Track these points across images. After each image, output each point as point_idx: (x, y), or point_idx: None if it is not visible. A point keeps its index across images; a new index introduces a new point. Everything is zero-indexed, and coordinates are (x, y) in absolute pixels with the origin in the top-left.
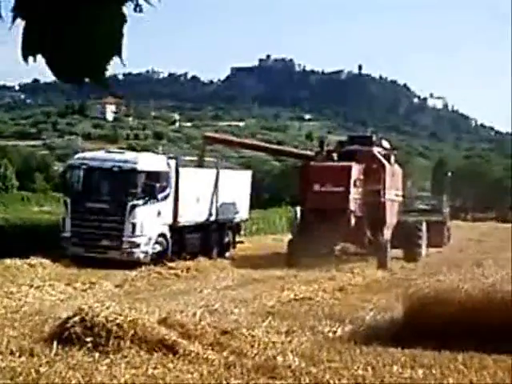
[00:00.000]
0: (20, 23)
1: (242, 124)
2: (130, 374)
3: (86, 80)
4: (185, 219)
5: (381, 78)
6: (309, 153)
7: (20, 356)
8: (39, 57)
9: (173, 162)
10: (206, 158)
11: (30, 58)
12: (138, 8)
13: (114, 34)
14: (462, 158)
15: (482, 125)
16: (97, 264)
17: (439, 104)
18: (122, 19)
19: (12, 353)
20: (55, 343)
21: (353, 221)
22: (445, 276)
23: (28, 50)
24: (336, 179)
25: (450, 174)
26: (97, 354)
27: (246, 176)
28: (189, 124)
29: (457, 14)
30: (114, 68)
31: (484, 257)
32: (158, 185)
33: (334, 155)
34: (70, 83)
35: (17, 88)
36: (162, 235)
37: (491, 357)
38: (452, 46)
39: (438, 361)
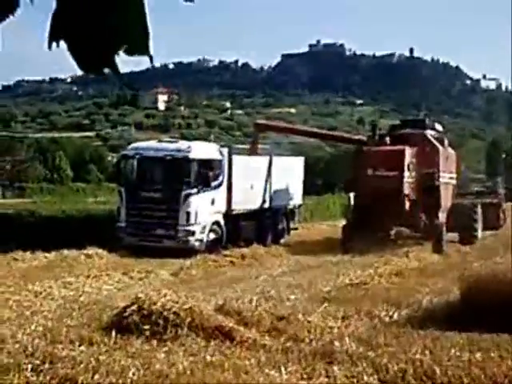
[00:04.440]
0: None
1: (293, 110)
2: (188, 362)
3: (106, 70)
4: (239, 207)
5: (432, 60)
6: (361, 137)
7: (80, 345)
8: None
9: (225, 150)
10: (259, 146)
11: (54, 46)
12: None
13: (136, 24)
14: None
15: None
16: (152, 253)
17: (492, 85)
18: (141, 9)
19: (71, 342)
20: (114, 332)
21: (407, 204)
22: (501, 258)
23: (53, 38)
24: (389, 163)
25: (504, 155)
26: (155, 342)
27: (298, 162)
28: (240, 112)
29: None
30: (163, 58)
31: None
32: (211, 173)
33: (387, 139)
34: (90, 72)
35: (68, 80)
36: (217, 223)
37: None
38: (504, 27)
39: (496, 344)
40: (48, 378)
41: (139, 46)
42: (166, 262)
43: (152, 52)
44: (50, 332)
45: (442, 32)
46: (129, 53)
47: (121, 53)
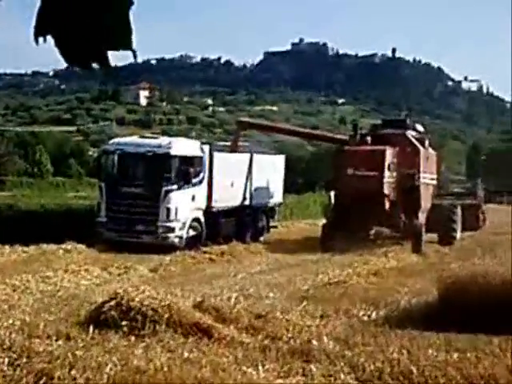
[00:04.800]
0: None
1: (275, 108)
2: (166, 358)
3: (94, 65)
4: (219, 204)
5: (414, 60)
6: (342, 137)
7: (57, 340)
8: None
9: (207, 147)
10: (240, 143)
11: (41, 40)
12: None
13: (119, 19)
14: (497, 141)
15: None
16: (131, 249)
17: (474, 87)
18: (124, 5)
19: (49, 337)
20: (91, 327)
21: (387, 205)
22: (479, 259)
23: (39, 31)
24: (370, 163)
25: (484, 157)
26: (132, 338)
27: (279, 160)
28: (222, 109)
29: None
30: (146, 54)
31: None
32: (192, 170)
33: (368, 139)
34: (78, 67)
35: (51, 74)
36: (197, 220)
37: None
38: (487, 29)
39: (473, 344)
40: (24, 372)
41: (123, 41)
42: (145, 258)
43: (135, 47)
44: (27, 326)
45: (425, 33)
46: (113, 48)
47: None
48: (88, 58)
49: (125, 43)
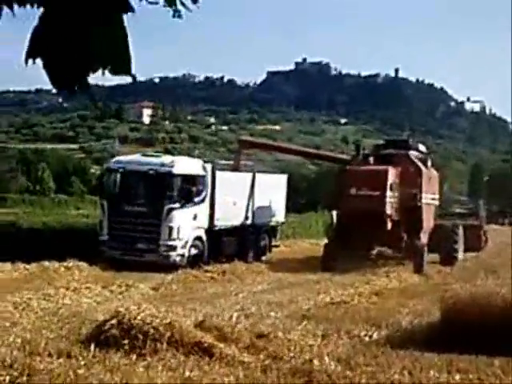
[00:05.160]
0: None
1: (277, 128)
2: (167, 377)
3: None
4: (221, 223)
5: (417, 81)
6: (345, 157)
7: (58, 358)
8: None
9: (209, 166)
10: (242, 162)
11: (30, 62)
12: (176, 13)
13: (119, 45)
14: (499, 161)
15: None
16: (133, 267)
17: (477, 107)
18: (122, 31)
19: (50, 355)
20: (93, 345)
21: (389, 224)
22: (481, 280)
23: (31, 53)
24: (372, 183)
25: (486, 177)
26: (134, 357)
27: (282, 180)
28: (225, 128)
29: (494, 19)
30: (149, 72)
31: None
32: (194, 188)
33: (371, 159)
34: (63, 90)
35: (54, 91)
36: (199, 238)
37: None
38: (491, 51)
39: (475, 365)
40: None
41: (122, 67)
42: (146, 277)
43: (134, 70)
44: (28, 344)
45: (428, 53)
46: (112, 73)
47: (106, 72)
48: (72, 83)
49: (125, 68)
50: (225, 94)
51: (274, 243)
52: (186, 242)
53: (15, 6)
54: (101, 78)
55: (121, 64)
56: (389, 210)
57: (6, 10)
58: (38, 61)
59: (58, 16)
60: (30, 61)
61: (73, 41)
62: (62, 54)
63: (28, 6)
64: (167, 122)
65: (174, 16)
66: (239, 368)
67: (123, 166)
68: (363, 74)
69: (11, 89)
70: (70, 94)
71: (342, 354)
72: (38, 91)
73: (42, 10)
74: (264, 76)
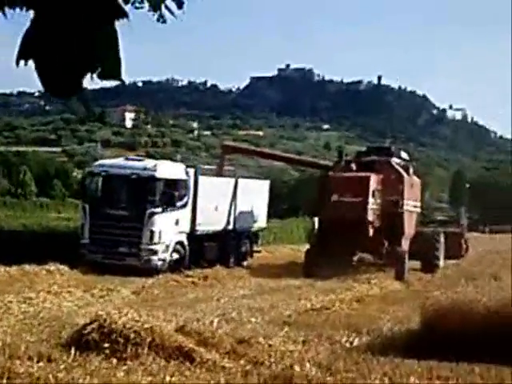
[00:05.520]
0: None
1: (260, 133)
2: (148, 381)
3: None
4: (203, 228)
5: (400, 88)
6: (327, 163)
7: (38, 361)
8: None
9: (191, 171)
10: (225, 167)
11: (21, 63)
12: (161, 19)
13: (110, 50)
14: (481, 169)
15: (501, 137)
16: (114, 271)
17: (458, 115)
18: (114, 36)
19: (30, 358)
20: (73, 349)
21: (371, 231)
22: (462, 288)
23: (22, 55)
24: (354, 189)
25: (468, 185)
26: (114, 361)
27: (264, 185)
28: (207, 132)
29: (476, 27)
30: (133, 76)
31: (501, 269)
32: (176, 193)
33: (353, 165)
34: (55, 95)
35: (36, 94)
36: (180, 243)
37: (509, 369)
38: (472, 58)
39: (455, 373)
40: None
41: (111, 71)
42: (127, 281)
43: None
44: (8, 347)
45: (410, 61)
46: (102, 77)
47: (94, 76)
48: (65, 87)
49: (114, 74)
50: (208, 98)
51: (255, 248)
52: (168, 247)
53: (6, 9)
54: (88, 81)
55: (110, 68)
56: (370, 217)
57: None
58: (30, 63)
59: (50, 19)
60: (22, 62)
61: (65, 44)
62: (55, 57)
63: (18, 10)
64: (149, 126)
65: (158, 20)
66: (220, 373)
67: (105, 170)
68: (346, 80)
69: None
70: (64, 97)
71: (322, 360)
72: (20, 93)
73: (32, 12)
74: (247, 81)
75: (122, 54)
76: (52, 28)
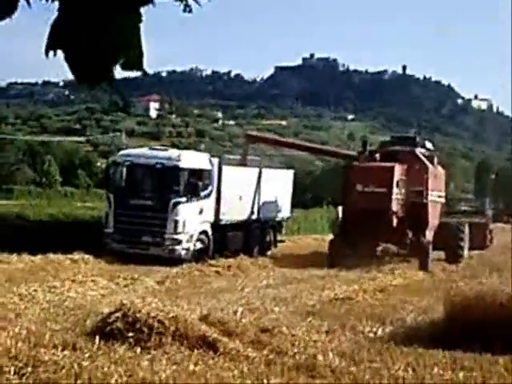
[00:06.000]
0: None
1: (284, 123)
2: (171, 370)
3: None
4: (227, 217)
5: (425, 78)
6: (351, 153)
7: (63, 350)
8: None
9: (215, 160)
10: (249, 157)
11: (51, 54)
12: (187, 8)
13: (132, 41)
14: (506, 159)
15: None
16: (139, 260)
17: (484, 105)
18: (137, 27)
19: (55, 346)
20: (97, 338)
21: (395, 221)
22: (486, 279)
23: (51, 45)
24: (378, 180)
25: (493, 176)
26: (138, 350)
27: (288, 175)
28: (232, 122)
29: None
30: (157, 66)
31: None
32: (200, 183)
33: (377, 156)
34: (86, 83)
35: (61, 84)
36: (204, 233)
37: None
38: (497, 47)
39: (479, 363)
40: (30, 381)
41: (134, 63)
42: (151, 270)
43: (145, 66)
44: (33, 335)
45: (436, 50)
46: (124, 68)
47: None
48: (96, 75)
49: (137, 65)
50: (232, 88)
51: (279, 238)
52: (192, 236)
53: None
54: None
55: (133, 59)
56: (395, 207)
57: (22, 1)
58: (59, 53)
59: (75, 7)
60: (51, 53)
61: (93, 31)
62: (84, 46)
63: (43, 1)
64: (174, 116)
65: (184, 10)
66: (243, 363)
67: (130, 160)
68: (371, 70)
69: (19, 80)
70: (95, 84)
71: (346, 350)
72: (45, 83)
73: (57, 3)
74: (272, 71)
75: (144, 45)
76: (79, 16)
